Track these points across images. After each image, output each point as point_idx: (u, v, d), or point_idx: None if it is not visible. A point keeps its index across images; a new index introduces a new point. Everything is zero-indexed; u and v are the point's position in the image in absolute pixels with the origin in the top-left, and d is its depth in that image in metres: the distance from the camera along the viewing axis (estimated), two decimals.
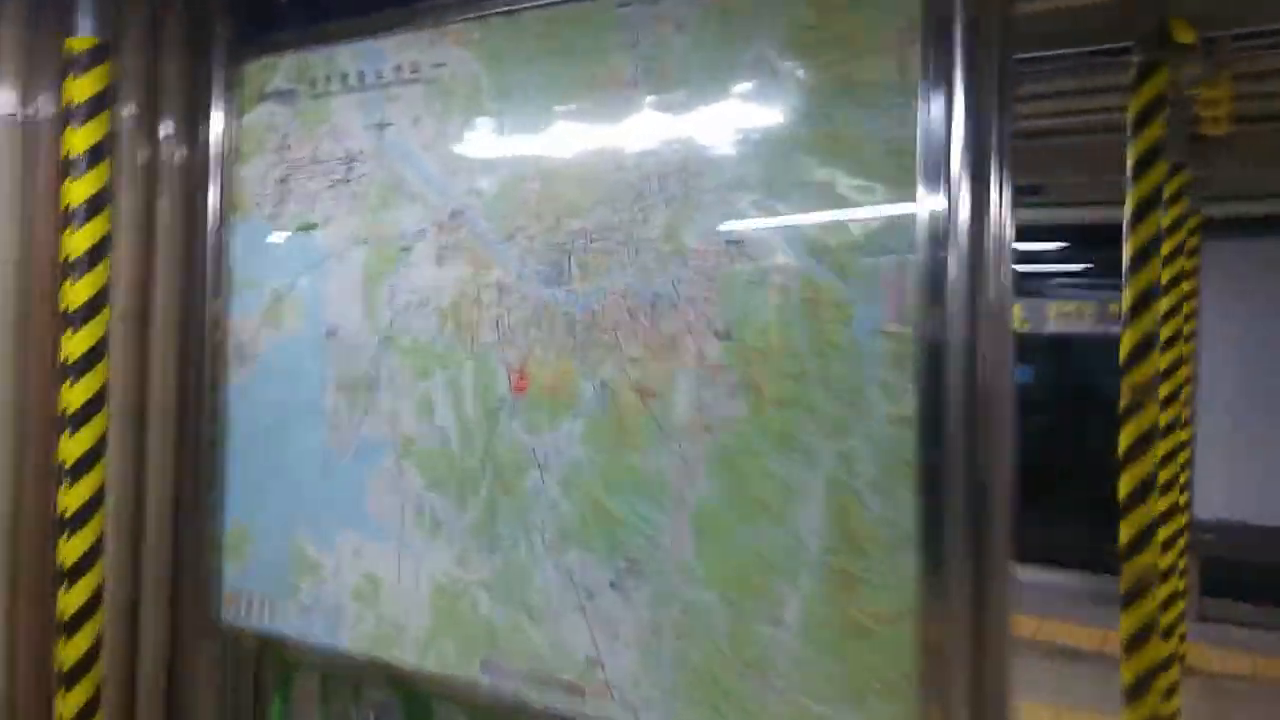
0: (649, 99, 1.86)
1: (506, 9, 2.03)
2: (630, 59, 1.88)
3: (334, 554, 2.27)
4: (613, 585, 1.87)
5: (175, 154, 2.50)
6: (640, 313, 1.85)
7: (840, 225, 1.65)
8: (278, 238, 2.39)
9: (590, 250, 1.92)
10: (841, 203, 1.66)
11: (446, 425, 2.10)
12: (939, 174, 1.56)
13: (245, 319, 2.45)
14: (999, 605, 1.54)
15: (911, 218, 1.59)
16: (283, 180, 2.39)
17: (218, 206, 2.47)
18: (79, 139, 2.23)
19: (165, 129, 2.49)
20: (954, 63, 1.55)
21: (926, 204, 1.57)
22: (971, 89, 1.54)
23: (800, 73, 1.70)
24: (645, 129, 1.86)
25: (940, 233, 1.56)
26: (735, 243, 1.75)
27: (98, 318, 2.26)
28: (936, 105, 1.56)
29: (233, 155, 2.47)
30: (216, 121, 2.48)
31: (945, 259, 1.55)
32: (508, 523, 2.01)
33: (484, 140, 2.07)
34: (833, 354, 1.66)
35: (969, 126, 1.54)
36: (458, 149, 2.11)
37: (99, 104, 2.25)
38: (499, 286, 2.03)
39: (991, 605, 1.54)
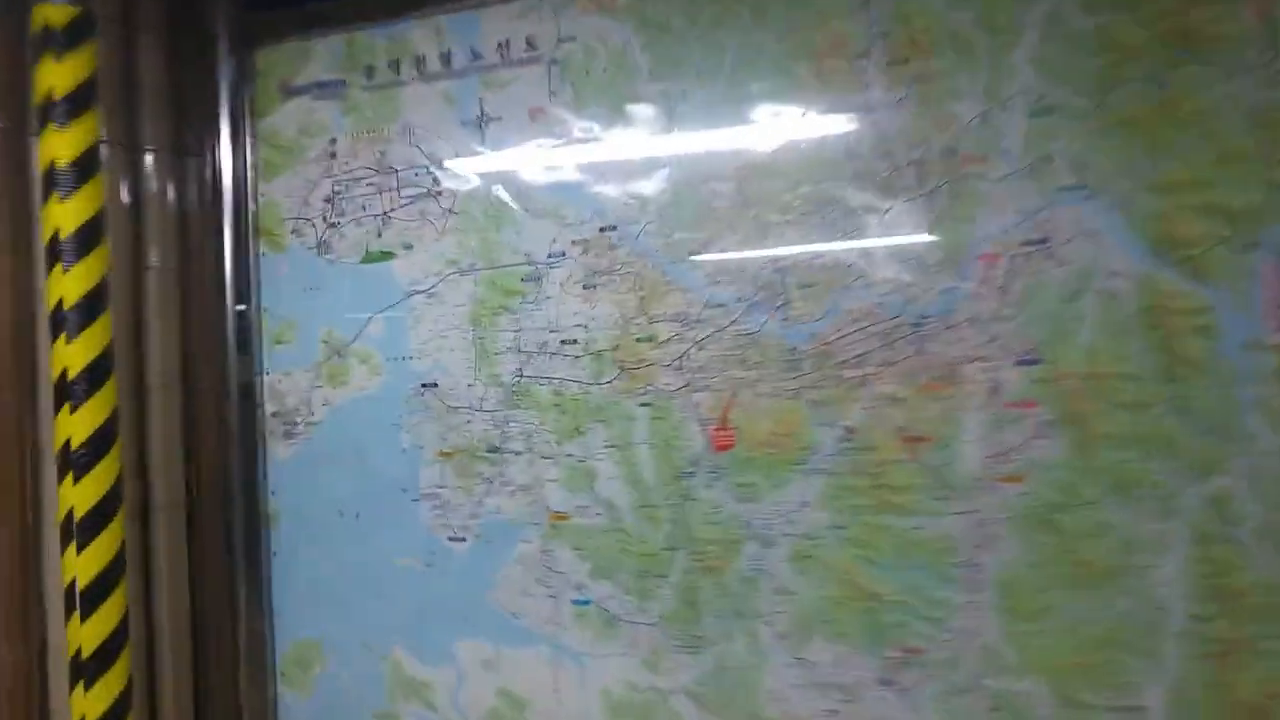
0: (891, 70, 1.49)
1: None
2: (860, 23, 1.50)
3: (454, 668, 1.77)
4: (883, 682, 1.49)
5: (168, 170, 1.92)
6: (898, 338, 1.48)
7: (1191, 214, 1.33)
8: (332, 272, 1.85)
9: (816, 264, 1.52)
10: (1189, 188, 1.33)
11: (614, 496, 1.65)
12: None
13: (288, 379, 1.89)
14: None
15: None
16: (332, 198, 1.85)
17: (234, 237, 1.90)
18: (63, 144, 1.62)
19: (152, 137, 1.90)
20: None
21: None
22: None
23: (1114, 30, 1.37)
24: (886, 108, 1.49)
25: None
26: (1038, 243, 1.40)
27: (104, 388, 1.67)
28: None
29: (251, 169, 1.91)
30: (225, 125, 1.91)
31: None
32: (715, 613, 1.59)
33: (642, 133, 1.63)
34: (1192, 376, 1.34)
35: None
36: (603, 146, 1.66)
37: (86, 96, 1.65)
38: (680, 317, 1.60)
39: None
